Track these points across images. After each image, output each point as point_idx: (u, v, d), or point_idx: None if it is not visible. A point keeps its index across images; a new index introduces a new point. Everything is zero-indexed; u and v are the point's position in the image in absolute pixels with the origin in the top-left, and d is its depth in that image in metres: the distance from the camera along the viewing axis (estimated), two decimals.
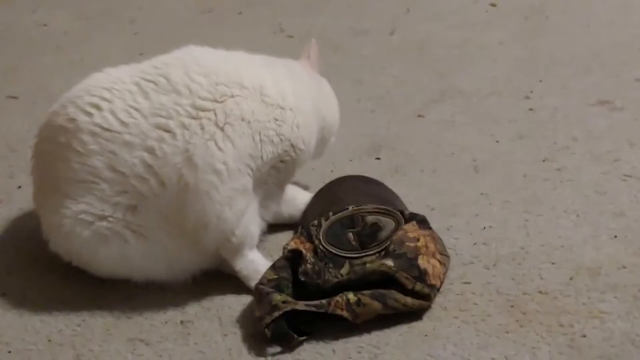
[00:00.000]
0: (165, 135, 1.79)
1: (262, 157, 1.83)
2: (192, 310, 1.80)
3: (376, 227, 1.82)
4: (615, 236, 1.88)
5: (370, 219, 1.84)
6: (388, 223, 1.83)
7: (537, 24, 2.98)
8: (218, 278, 1.86)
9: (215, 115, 1.80)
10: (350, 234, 1.83)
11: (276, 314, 1.66)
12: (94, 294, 1.87)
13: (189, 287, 1.86)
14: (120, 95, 1.83)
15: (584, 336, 1.62)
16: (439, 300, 1.74)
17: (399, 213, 1.85)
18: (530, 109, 2.44)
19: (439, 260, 1.75)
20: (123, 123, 1.80)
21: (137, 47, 3.09)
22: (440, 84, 2.64)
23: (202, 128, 1.79)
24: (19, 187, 2.26)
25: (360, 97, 2.61)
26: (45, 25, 3.39)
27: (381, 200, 1.91)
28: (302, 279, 1.73)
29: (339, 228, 1.84)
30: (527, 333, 1.65)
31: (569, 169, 2.13)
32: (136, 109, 1.81)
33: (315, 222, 1.86)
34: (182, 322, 1.78)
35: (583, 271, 1.78)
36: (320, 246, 1.80)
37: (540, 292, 1.74)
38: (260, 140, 1.82)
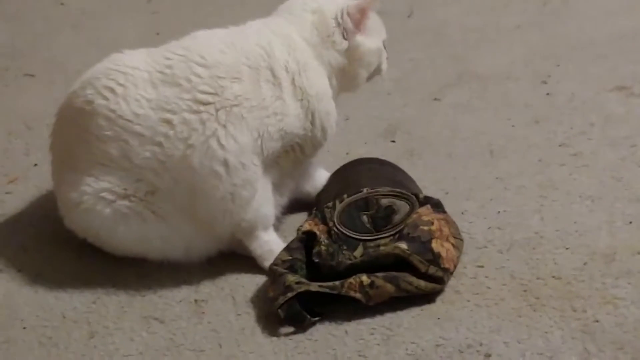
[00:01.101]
0: (170, 132, 1.79)
1: (263, 153, 1.81)
2: (206, 289, 1.81)
3: (390, 210, 1.82)
4: (631, 222, 1.87)
5: (385, 201, 1.84)
6: (402, 206, 1.83)
7: (555, 9, 2.96)
8: (232, 258, 1.87)
9: (216, 110, 1.78)
10: (365, 217, 1.83)
11: (289, 294, 1.67)
12: (109, 272, 1.88)
13: (204, 266, 1.86)
14: (133, 81, 1.82)
15: (597, 321, 1.62)
16: (452, 283, 1.74)
17: (413, 196, 1.85)
18: (547, 94, 2.43)
19: (452, 244, 1.76)
20: (134, 113, 1.80)
21: (154, 26, 3.10)
22: (457, 67, 2.63)
23: (203, 124, 1.77)
24: (35, 164, 2.27)
25: (376, 79, 2.60)
26: (63, 4, 3.40)
27: (396, 184, 1.91)
28: (316, 260, 1.73)
29: (353, 210, 1.84)
30: (540, 317, 1.65)
31: (585, 154, 2.13)
32: (147, 99, 1.80)
33: (330, 204, 1.86)
34: (196, 301, 1.78)
35: (597, 257, 1.78)
36: (334, 228, 1.80)
37: (553, 277, 1.74)
38: (260, 136, 1.80)
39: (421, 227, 1.74)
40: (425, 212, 1.79)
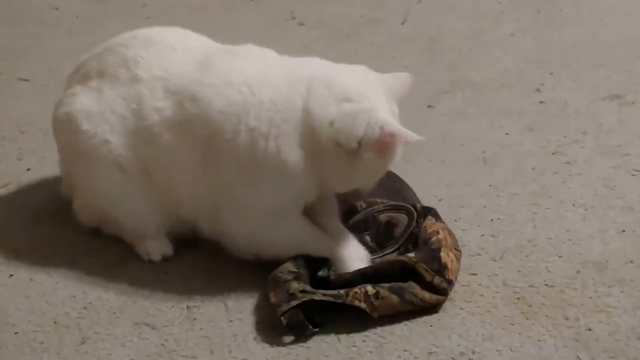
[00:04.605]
0: None
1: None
2: (198, 295, 1.81)
3: (390, 225, 1.82)
4: (623, 230, 1.87)
5: (383, 217, 1.84)
6: (401, 218, 1.82)
7: (549, 17, 2.97)
8: (224, 264, 1.86)
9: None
10: (367, 237, 1.82)
11: (293, 303, 1.65)
12: (100, 277, 1.87)
13: (196, 272, 1.86)
14: (108, 79, 1.86)
15: (590, 330, 1.62)
16: None
17: (410, 207, 1.84)
18: (541, 102, 2.44)
19: (455, 256, 1.75)
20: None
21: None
22: (451, 75, 2.63)
23: None
24: (28, 169, 2.26)
25: None
26: (57, 8, 3.39)
27: (393, 193, 1.90)
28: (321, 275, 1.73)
29: (354, 234, 1.82)
30: (533, 325, 1.65)
31: (579, 162, 2.13)
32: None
33: None
34: (188, 307, 1.78)
35: (590, 265, 1.78)
36: None
37: (546, 285, 1.74)
38: None
39: (430, 238, 1.74)
40: (428, 224, 1.78)
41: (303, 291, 1.67)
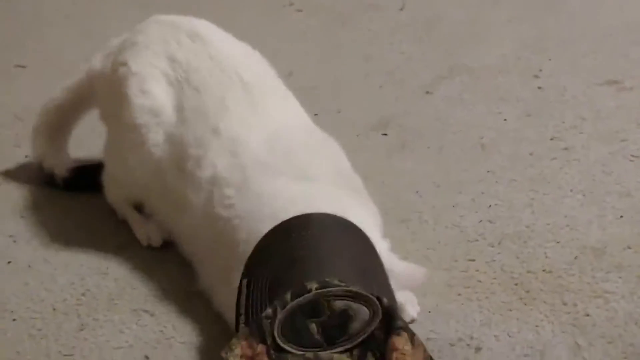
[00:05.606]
0: None
1: None
2: (197, 281, 1.80)
3: (346, 316, 1.39)
4: (621, 216, 1.88)
5: (339, 305, 1.40)
6: (361, 311, 1.39)
7: (547, 2, 2.96)
8: None
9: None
10: (313, 325, 1.39)
11: None
12: (99, 264, 1.87)
13: None
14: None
15: (588, 315, 1.63)
16: (443, 277, 1.74)
17: (375, 299, 1.40)
18: (539, 88, 2.44)
19: None
20: None
21: (145, 18, 3.08)
22: (448, 61, 2.63)
23: None
24: (26, 156, 2.26)
25: (368, 73, 2.60)
26: None
27: (358, 272, 1.50)
28: None
29: (298, 318, 1.40)
30: (531, 311, 1.65)
31: (576, 148, 2.13)
32: None
33: (269, 311, 1.40)
34: (187, 293, 1.78)
35: (588, 251, 1.78)
36: (274, 346, 1.38)
37: (544, 270, 1.74)
38: None
39: None
40: (405, 353, 1.38)
41: None
